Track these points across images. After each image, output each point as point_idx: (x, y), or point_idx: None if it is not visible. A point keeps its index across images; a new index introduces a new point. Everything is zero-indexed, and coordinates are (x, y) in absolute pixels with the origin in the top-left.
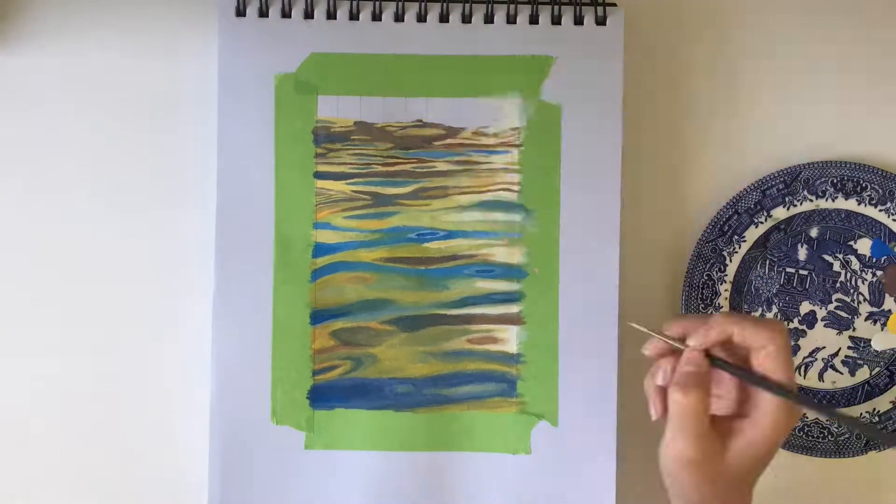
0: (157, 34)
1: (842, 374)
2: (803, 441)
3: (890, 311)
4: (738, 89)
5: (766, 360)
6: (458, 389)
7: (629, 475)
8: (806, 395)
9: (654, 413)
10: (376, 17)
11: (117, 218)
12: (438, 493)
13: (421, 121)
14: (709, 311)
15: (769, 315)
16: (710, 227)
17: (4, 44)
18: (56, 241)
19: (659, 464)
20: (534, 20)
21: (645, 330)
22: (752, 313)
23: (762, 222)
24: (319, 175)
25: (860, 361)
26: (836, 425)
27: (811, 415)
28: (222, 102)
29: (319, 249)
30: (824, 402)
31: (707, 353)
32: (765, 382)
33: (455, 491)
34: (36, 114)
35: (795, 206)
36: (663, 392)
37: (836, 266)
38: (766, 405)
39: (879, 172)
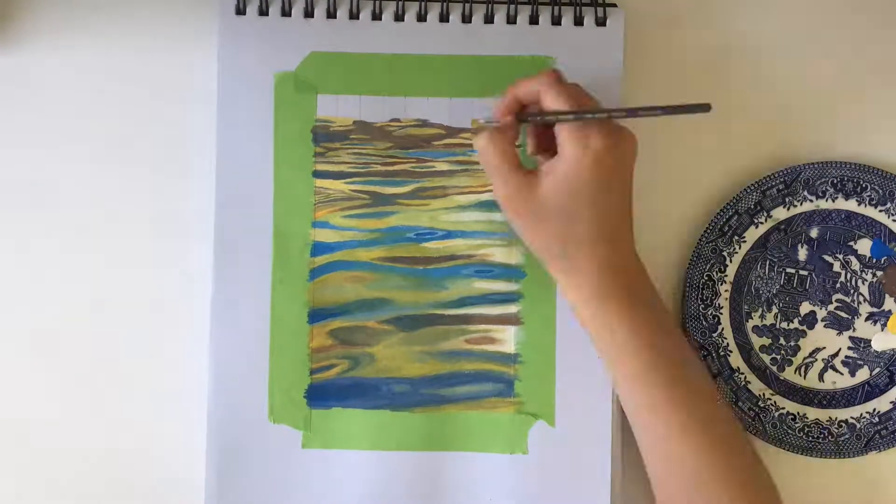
0: (157, 32)
1: (842, 374)
2: (803, 441)
3: (890, 311)
4: (738, 89)
5: (547, 102)
6: (456, 389)
7: (625, 475)
8: (593, 112)
9: (496, 113)
10: (376, 16)
11: (116, 217)
12: (435, 492)
13: (420, 120)
14: (709, 312)
15: (769, 315)
16: (710, 227)
17: (4, 44)
18: (54, 240)
19: None
20: (534, 20)
21: (485, 122)
22: (752, 314)
23: (762, 223)
24: (318, 174)
25: (860, 362)
26: (835, 426)
27: (622, 152)
28: (222, 101)
29: (318, 248)
30: (824, 402)
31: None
32: (550, 114)
33: (452, 491)
34: (35, 113)
35: (795, 206)
36: (515, 105)
37: (837, 266)
38: (560, 135)
39: (879, 173)
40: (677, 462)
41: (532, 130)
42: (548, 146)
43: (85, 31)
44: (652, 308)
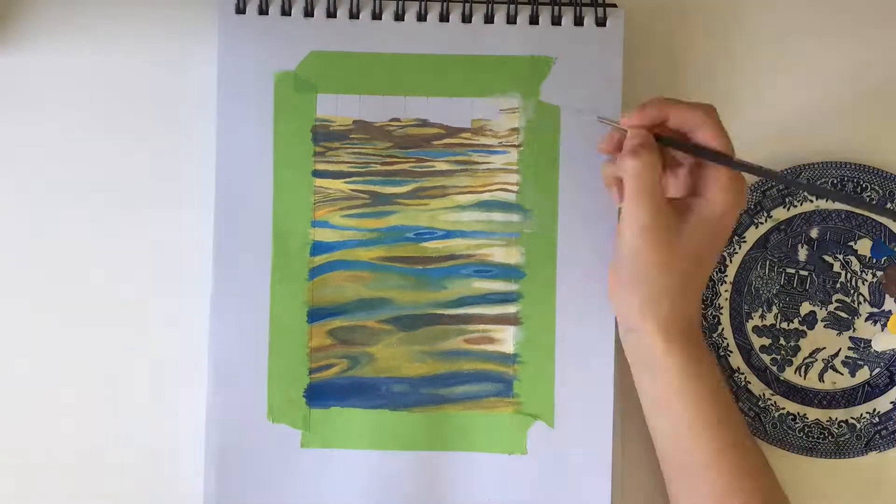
0: (157, 31)
1: (842, 374)
2: (803, 441)
3: (890, 311)
4: (738, 89)
5: (705, 136)
6: (455, 389)
7: (625, 476)
8: (745, 161)
9: (617, 200)
10: (376, 15)
11: (116, 216)
12: (434, 492)
13: (420, 120)
14: (709, 312)
15: (769, 315)
16: None
17: (4, 44)
18: (54, 240)
19: (618, 260)
20: (534, 20)
21: (608, 121)
22: (753, 314)
23: (762, 223)
24: (318, 173)
25: (860, 362)
26: (835, 426)
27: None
28: (221, 100)
29: (317, 248)
30: (824, 402)
31: (655, 135)
32: (709, 152)
33: (451, 491)
34: (35, 113)
35: (795, 206)
36: (621, 183)
37: (837, 267)
38: (716, 180)
39: (879, 173)
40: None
41: (671, 168)
42: (680, 184)
43: (85, 30)
44: (704, 364)
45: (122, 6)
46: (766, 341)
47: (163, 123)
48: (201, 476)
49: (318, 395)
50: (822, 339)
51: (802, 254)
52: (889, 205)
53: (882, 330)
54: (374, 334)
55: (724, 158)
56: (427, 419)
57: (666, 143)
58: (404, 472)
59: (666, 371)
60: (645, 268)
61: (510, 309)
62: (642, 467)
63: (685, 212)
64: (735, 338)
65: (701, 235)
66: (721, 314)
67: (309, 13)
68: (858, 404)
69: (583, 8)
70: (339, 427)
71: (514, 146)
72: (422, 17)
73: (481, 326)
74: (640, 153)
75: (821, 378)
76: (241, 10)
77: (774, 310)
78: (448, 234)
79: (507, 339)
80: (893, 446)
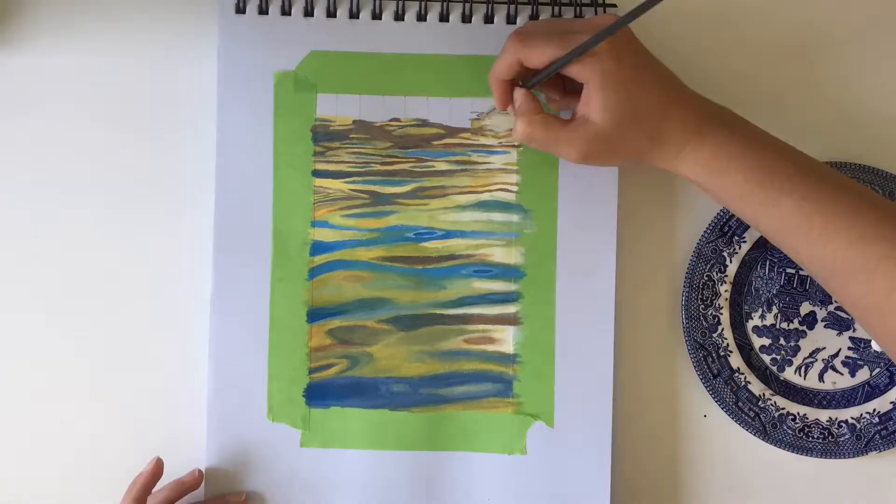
0: (157, 31)
1: (842, 374)
2: (803, 441)
3: None
4: (738, 89)
5: (530, 60)
6: (454, 389)
7: (625, 475)
8: (580, 48)
9: (498, 105)
10: (376, 15)
11: (116, 216)
12: (433, 492)
13: (420, 120)
14: (709, 312)
15: (769, 315)
16: (711, 227)
17: (4, 44)
18: (55, 239)
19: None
20: (534, 20)
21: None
22: (752, 314)
23: None
24: (318, 173)
25: (860, 362)
26: (835, 426)
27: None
28: (221, 100)
29: (317, 248)
30: (824, 402)
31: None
32: (544, 70)
33: (450, 491)
34: (36, 113)
35: None
36: (503, 84)
37: None
38: (572, 73)
39: (880, 173)
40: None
41: (545, 89)
42: (565, 91)
43: (85, 30)
44: (750, 130)
45: (121, 7)
46: (766, 341)
47: (163, 123)
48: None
49: (318, 394)
50: (822, 339)
51: None
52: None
53: None
54: (374, 334)
55: (555, 65)
56: (427, 419)
57: (530, 84)
58: (404, 472)
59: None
60: (622, 163)
61: (510, 309)
62: (642, 466)
63: (587, 107)
64: (735, 338)
65: (605, 97)
66: (721, 314)
67: (309, 13)
68: (858, 404)
69: (583, 8)
70: (339, 427)
71: (513, 146)
72: (422, 17)
73: (481, 326)
74: (516, 127)
75: (821, 378)
76: (241, 9)
77: (774, 310)
78: (448, 234)
79: (506, 339)
80: (893, 446)
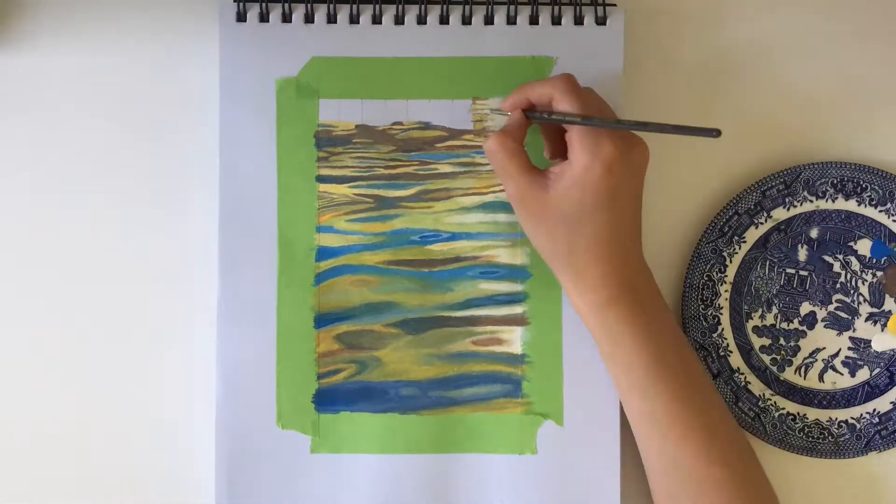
0: (158, 39)
1: (842, 374)
2: (803, 441)
3: (890, 311)
4: (738, 90)
5: (558, 104)
6: (464, 391)
7: (634, 474)
8: (593, 116)
9: (504, 106)
10: (376, 20)
11: (120, 223)
12: (445, 495)
13: (423, 123)
14: (709, 312)
15: (769, 315)
16: (710, 227)
17: (4, 44)
18: (58, 245)
19: None
20: (534, 21)
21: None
22: (753, 314)
23: (762, 223)
24: (322, 179)
25: (860, 362)
26: (835, 426)
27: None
28: (224, 107)
29: (323, 253)
30: (824, 402)
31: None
32: (561, 115)
33: (462, 493)
34: (36, 117)
35: (795, 206)
36: (525, 101)
37: (837, 267)
38: (571, 140)
39: (879, 173)
40: (677, 469)
41: (546, 134)
42: (563, 151)
43: (85, 35)
44: (658, 317)
45: (123, 14)
46: (766, 341)
47: (165, 132)
48: (212, 484)
49: (327, 400)
50: (822, 339)
51: (802, 254)
52: (889, 204)
53: (882, 330)
54: (382, 338)
55: (573, 118)
56: (436, 422)
57: (534, 118)
58: (415, 476)
59: (598, 341)
60: (530, 238)
61: (517, 309)
62: None
63: (555, 179)
64: (735, 338)
65: (569, 195)
66: (721, 314)
67: (309, 19)
68: (858, 404)
69: (583, 8)
70: (349, 432)
71: None
72: (422, 21)
73: (489, 328)
74: (489, 137)
75: (821, 378)
76: (241, 17)
77: (774, 310)
78: (453, 237)
79: (514, 340)
80: (893, 446)
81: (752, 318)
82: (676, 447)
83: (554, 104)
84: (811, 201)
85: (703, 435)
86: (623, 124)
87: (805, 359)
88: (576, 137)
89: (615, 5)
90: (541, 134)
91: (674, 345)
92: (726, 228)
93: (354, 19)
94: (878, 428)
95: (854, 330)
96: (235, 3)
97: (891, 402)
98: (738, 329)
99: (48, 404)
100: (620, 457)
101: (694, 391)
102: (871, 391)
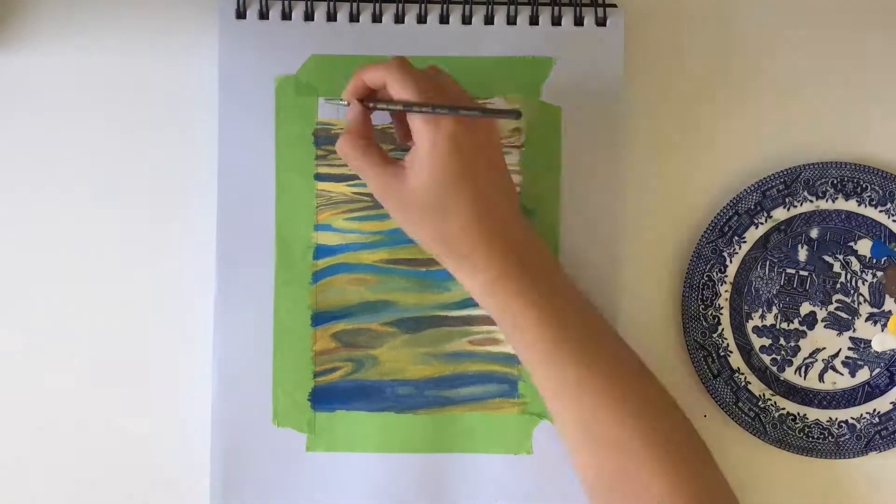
0: (158, 36)
1: (842, 374)
2: (803, 442)
3: (890, 311)
4: (739, 90)
5: (391, 90)
6: (460, 391)
7: None
8: (424, 103)
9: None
10: (376, 18)
11: (118, 220)
12: (440, 494)
13: None
14: (709, 312)
15: (769, 315)
16: (711, 227)
17: (4, 44)
18: (56, 243)
19: None
20: (534, 21)
21: (334, 101)
22: (753, 314)
23: (762, 223)
24: (320, 177)
25: (860, 362)
26: (835, 426)
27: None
28: (223, 105)
29: (320, 251)
30: (824, 403)
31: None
32: (396, 103)
33: (457, 492)
34: (36, 116)
35: (796, 206)
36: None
37: (837, 267)
38: (411, 122)
39: (880, 173)
40: (598, 436)
41: (396, 118)
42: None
43: (85, 33)
44: (554, 288)
45: (122, 10)
46: (767, 341)
47: (163, 128)
48: (207, 481)
49: (323, 398)
50: (822, 339)
51: (802, 254)
52: (889, 204)
53: (882, 330)
54: (379, 337)
55: (395, 105)
56: (432, 421)
57: (373, 108)
58: (410, 475)
59: (496, 321)
60: (406, 231)
61: None
62: None
63: (411, 164)
64: (735, 338)
65: (424, 181)
66: (721, 314)
67: (309, 17)
68: (858, 404)
69: (583, 8)
70: (345, 430)
71: (515, 147)
72: (422, 20)
73: (485, 328)
74: (339, 139)
75: (821, 378)
76: (241, 14)
77: (774, 310)
78: None
79: None
80: (893, 446)
81: (752, 319)
82: (592, 413)
83: (388, 89)
84: (811, 201)
85: (616, 395)
86: (438, 109)
87: (805, 359)
88: (416, 121)
89: (615, 6)
90: (392, 119)
91: (575, 312)
92: (726, 228)
93: (354, 18)
94: (878, 428)
95: (854, 330)
96: (235, 0)
97: (891, 403)
98: (739, 329)
99: (43, 401)
100: None
101: (604, 355)
102: (871, 391)
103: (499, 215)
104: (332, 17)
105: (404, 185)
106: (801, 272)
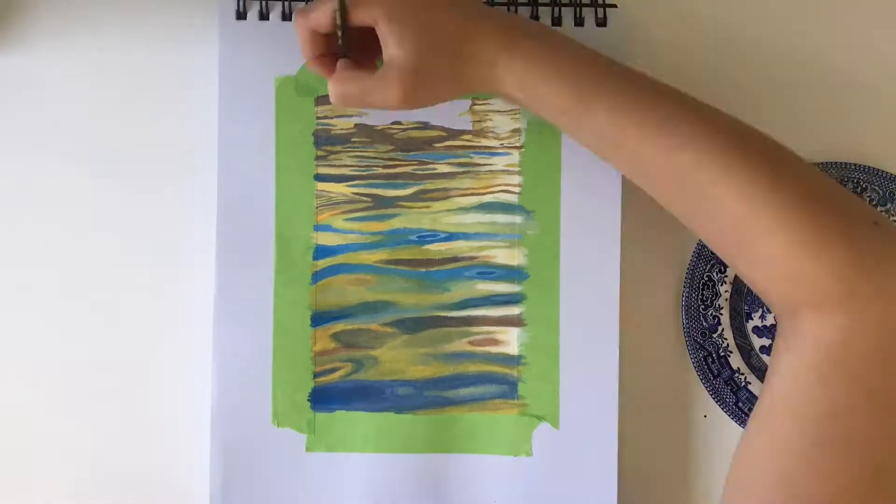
0: (158, 37)
1: None
2: None
3: None
4: (739, 90)
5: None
6: (459, 391)
7: (631, 478)
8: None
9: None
10: None
11: (118, 220)
12: (439, 495)
13: (421, 123)
14: (709, 312)
15: (769, 316)
16: None
17: (4, 44)
18: (56, 244)
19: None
20: None
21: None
22: (753, 314)
23: None
24: (320, 177)
25: None
26: None
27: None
28: (223, 105)
29: (320, 251)
30: None
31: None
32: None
33: (456, 493)
34: (36, 116)
35: None
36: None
37: None
38: (365, 17)
39: (879, 173)
40: (650, 167)
41: (359, 48)
42: (378, 50)
43: (85, 34)
44: (570, 45)
45: (122, 11)
46: (767, 341)
47: (164, 129)
48: (207, 481)
49: (323, 398)
50: None
51: None
52: (889, 204)
53: None
54: (378, 337)
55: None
56: (432, 422)
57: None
58: (410, 475)
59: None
60: (436, 101)
61: (514, 310)
62: (644, 466)
63: (392, 56)
64: (735, 338)
65: (406, 43)
66: (721, 314)
67: None
68: None
69: (583, 8)
70: (345, 431)
71: (515, 147)
72: None
73: (485, 328)
74: (330, 93)
75: None
76: (241, 15)
77: None
78: (451, 237)
79: (511, 341)
80: None
81: (752, 319)
82: (637, 145)
83: (319, 29)
84: None
85: (660, 124)
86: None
87: None
88: (358, 16)
89: (615, 6)
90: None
91: (602, 63)
92: None
93: None
94: None
95: None
96: (235, 1)
97: None
98: (739, 329)
99: (43, 402)
100: (617, 460)
101: (639, 89)
102: None
103: (482, 9)
104: None
105: (397, 60)
106: None
